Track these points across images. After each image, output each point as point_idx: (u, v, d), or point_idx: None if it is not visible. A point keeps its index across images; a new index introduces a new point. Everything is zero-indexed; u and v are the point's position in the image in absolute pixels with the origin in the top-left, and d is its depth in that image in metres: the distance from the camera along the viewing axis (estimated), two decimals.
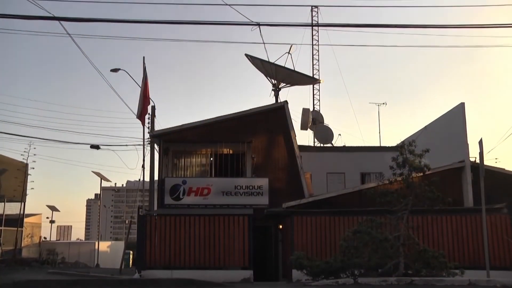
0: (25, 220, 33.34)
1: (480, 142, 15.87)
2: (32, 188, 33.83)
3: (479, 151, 15.95)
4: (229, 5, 13.17)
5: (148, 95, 20.40)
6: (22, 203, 32.04)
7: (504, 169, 20.68)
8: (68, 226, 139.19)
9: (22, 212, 32.17)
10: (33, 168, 33.59)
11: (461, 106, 20.25)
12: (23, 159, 32.59)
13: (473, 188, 18.93)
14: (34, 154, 32.86)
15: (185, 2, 15.96)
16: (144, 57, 20.48)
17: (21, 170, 32.07)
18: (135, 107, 20.94)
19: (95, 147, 26.27)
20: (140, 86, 20.49)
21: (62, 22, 12.87)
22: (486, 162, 16.84)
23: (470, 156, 19.71)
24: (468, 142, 19.88)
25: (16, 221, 31.26)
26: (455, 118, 20.60)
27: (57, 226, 50.30)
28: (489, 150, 29.22)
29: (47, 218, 43.19)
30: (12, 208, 32.57)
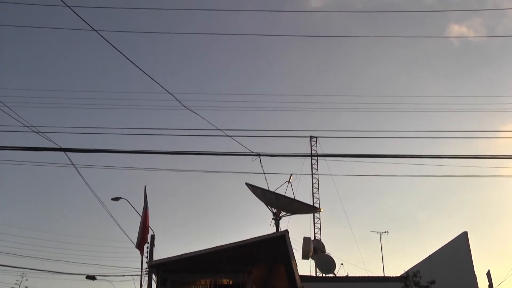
0: None
1: (488, 274, 15.50)
2: None
3: (488, 283, 15.50)
4: (230, 136, 13.55)
5: (148, 225, 20.27)
6: None
7: None
8: None
9: None
10: None
11: (464, 235, 20.01)
12: None
13: None
14: (26, 286, 31.81)
15: (187, 133, 16.48)
16: (145, 186, 20.69)
17: None
18: (134, 236, 20.72)
19: (91, 277, 25.51)
20: (141, 215, 20.44)
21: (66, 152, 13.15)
22: None
23: (479, 287, 19.07)
24: (475, 272, 19.35)
25: None
26: (459, 247, 20.26)
27: None
28: (499, 282, 28.27)
29: None
30: None
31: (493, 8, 56.32)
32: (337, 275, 28.16)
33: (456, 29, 56.45)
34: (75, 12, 10.91)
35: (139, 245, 20.10)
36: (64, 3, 10.69)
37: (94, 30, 11.41)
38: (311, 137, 36.41)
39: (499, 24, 57.66)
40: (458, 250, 20.31)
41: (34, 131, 13.40)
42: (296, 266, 21.00)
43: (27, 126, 13.49)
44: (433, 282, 15.72)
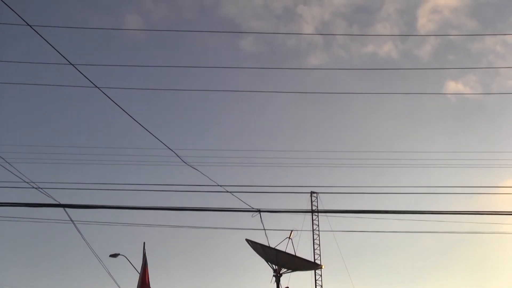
0: None
1: None
2: None
3: None
4: (230, 192, 13.53)
5: (148, 282, 19.89)
6: None
7: None
8: None
9: None
10: None
11: None
12: None
13: None
14: None
15: (187, 189, 16.55)
16: (144, 243, 20.41)
17: None
18: None
19: None
20: (139, 272, 20.09)
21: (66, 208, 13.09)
22: None
23: None
24: None
25: None
26: None
27: None
28: None
29: None
30: None
31: (488, 67, 57.50)
32: None
33: (452, 86, 57.37)
34: (78, 70, 11.13)
35: None
36: (68, 60, 10.92)
37: (96, 86, 11.60)
38: (311, 192, 36.28)
39: (493, 81, 58.67)
40: None
41: (33, 187, 13.40)
42: None
43: (27, 182, 13.50)
44: None
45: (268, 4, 61.47)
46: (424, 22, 59.15)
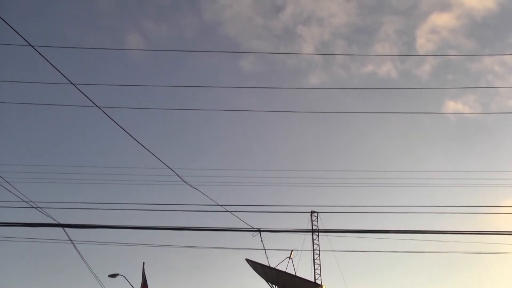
0: None
1: None
2: None
3: None
4: (230, 211, 13.46)
5: None
6: None
7: None
8: None
9: None
10: None
11: None
12: None
13: None
14: None
15: (187, 209, 16.50)
16: (143, 263, 20.34)
17: None
18: None
19: None
20: None
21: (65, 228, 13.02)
22: None
23: None
24: None
25: None
26: None
27: None
28: None
29: None
30: None
31: (486, 87, 57.76)
32: None
33: (452, 106, 57.60)
34: (79, 89, 11.16)
35: None
36: (69, 80, 10.96)
37: (97, 106, 11.63)
38: (312, 212, 36.13)
39: (492, 101, 58.91)
40: None
41: (33, 207, 13.34)
42: None
43: (26, 202, 13.45)
44: None
45: (268, 24, 62.00)
46: (423, 42, 59.61)
